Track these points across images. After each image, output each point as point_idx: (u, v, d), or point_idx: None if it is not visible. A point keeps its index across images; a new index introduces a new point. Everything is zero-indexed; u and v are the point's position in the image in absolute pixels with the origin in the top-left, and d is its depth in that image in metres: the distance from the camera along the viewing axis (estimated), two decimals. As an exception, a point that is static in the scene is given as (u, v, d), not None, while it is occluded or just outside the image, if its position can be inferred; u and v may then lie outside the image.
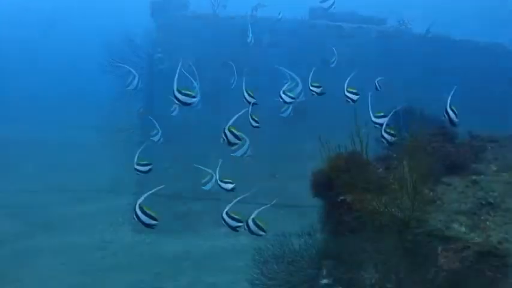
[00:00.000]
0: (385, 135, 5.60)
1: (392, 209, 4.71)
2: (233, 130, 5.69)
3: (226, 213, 5.66)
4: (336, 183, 5.27)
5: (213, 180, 6.75)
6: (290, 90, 6.92)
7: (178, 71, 5.38)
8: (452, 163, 6.17)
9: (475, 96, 13.33)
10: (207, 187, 6.74)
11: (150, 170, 6.59)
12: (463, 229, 4.53)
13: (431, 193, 5.22)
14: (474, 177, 5.98)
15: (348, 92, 6.34)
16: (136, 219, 5.34)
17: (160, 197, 13.61)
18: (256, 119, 6.30)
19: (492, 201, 5.07)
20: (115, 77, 16.41)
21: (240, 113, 5.77)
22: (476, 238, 4.32)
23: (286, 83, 7.05)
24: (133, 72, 8.08)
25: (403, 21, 17.24)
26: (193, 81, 6.34)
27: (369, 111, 5.86)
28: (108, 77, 17.43)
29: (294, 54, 13.99)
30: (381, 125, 5.67)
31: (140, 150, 6.50)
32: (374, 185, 4.92)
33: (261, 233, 5.65)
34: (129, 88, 8.24)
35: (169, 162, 14.02)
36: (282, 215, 11.89)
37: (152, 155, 6.93)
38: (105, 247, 11.63)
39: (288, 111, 7.93)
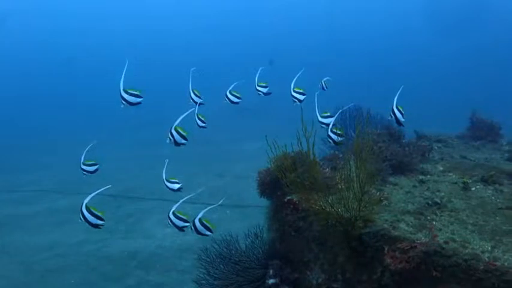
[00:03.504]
0: (332, 135, 5.57)
1: (339, 209, 4.69)
2: (180, 130, 5.59)
3: (173, 213, 5.57)
4: (283, 183, 5.22)
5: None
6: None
7: (124, 71, 5.25)
8: (399, 163, 6.21)
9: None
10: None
11: (97, 170, 6.44)
12: (410, 229, 4.54)
13: (378, 193, 5.23)
14: (421, 177, 6.04)
15: (295, 92, 6.28)
16: (82, 219, 5.21)
17: (108, 197, 13.58)
18: (202, 119, 6.20)
19: (439, 201, 5.12)
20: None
21: (186, 113, 5.69)
22: (422, 238, 4.33)
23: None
24: None
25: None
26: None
27: (316, 111, 5.81)
28: None
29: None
30: (327, 125, 5.64)
31: (86, 149, 6.33)
32: (320, 185, 4.89)
33: (208, 233, 5.58)
34: None
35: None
36: (229, 215, 11.87)
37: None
38: (52, 247, 11.41)
39: None
